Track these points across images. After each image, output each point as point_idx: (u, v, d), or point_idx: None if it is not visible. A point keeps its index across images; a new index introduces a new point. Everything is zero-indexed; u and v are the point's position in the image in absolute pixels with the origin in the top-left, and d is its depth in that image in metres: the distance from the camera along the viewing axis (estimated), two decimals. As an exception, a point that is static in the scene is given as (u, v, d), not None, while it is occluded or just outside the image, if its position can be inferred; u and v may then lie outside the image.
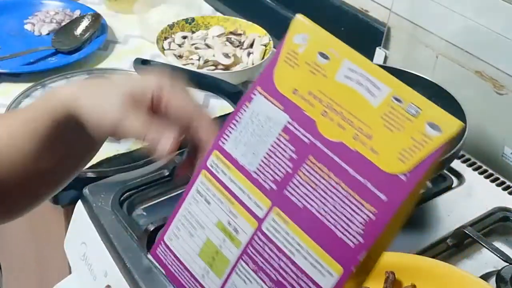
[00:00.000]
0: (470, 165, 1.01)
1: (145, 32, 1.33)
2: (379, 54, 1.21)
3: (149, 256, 0.55)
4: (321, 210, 0.43)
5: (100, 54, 1.28)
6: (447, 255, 0.86)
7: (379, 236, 0.41)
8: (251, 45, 1.26)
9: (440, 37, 1.11)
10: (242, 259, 0.47)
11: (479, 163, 1.02)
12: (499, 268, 0.79)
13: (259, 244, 0.46)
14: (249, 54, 1.24)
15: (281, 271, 0.45)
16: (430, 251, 0.85)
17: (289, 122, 0.45)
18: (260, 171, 0.46)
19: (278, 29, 1.40)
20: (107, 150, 1.03)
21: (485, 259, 0.85)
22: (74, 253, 0.97)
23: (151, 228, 0.83)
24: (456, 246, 0.86)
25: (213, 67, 1.20)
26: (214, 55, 1.22)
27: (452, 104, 0.96)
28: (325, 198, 0.43)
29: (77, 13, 1.38)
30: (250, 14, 1.38)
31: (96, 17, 1.32)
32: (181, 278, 0.52)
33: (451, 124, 0.40)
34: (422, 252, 0.84)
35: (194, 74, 1.06)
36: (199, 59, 1.21)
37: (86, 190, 0.95)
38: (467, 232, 0.85)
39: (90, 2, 1.44)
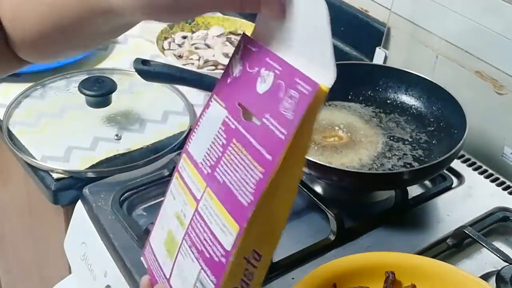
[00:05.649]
0: (470, 165, 1.01)
1: (144, 32, 1.33)
2: (379, 54, 1.21)
3: (142, 258, 0.60)
4: (232, 180, 0.48)
5: (100, 54, 1.28)
6: (447, 255, 0.86)
7: (265, 192, 0.45)
8: (251, 45, 1.26)
9: (440, 37, 1.11)
10: (184, 239, 0.52)
11: (479, 163, 1.02)
12: (499, 268, 0.79)
13: (195, 222, 0.51)
14: (249, 54, 1.24)
15: (203, 241, 0.50)
16: (430, 251, 0.85)
17: (226, 116, 0.51)
18: (203, 160, 0.52)
19: None
20: (107, 150, 1.04)
21: (485, 259, 0.85)
22: (74, 253, 0.97)
23: (151, 228, 0.83)
24: (456, 246, 0.86)
25: (213, 67, 1.20)
26: (214, 55, 1.22)
27: (452, 104, 0.96)
28: (236, 170, 0.48)
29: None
30: (250, 14, 1.38)
31: (96, 17, 1.32)
32: (154, 271, 0.57)
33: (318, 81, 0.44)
34: (422, 252, 0.84)
35: (194, 74, 1.06)
36: (199, 59, 1.22)
37: (86, 190, 0.95)
38: (467, 232, 0.85)
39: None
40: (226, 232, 0.47)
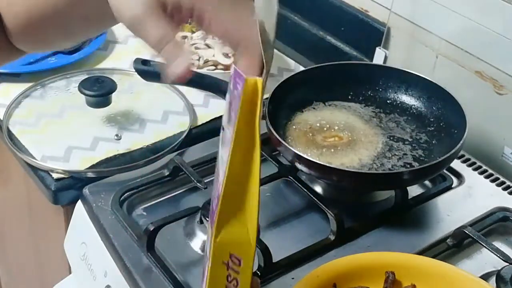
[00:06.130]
0: (470, 165, 1.01)
1: (145, 32, 1.33)
2: (379, 54, 1.21)
3: None
4: (215, 194, 0.50)
5: (100, 54, 1.28)
6: (447, 255, 0.86)
7: (224, 193, 0.46)
8: (251, 45, 1.26)
9: (440, 37, 1.11)
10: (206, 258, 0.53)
11: (479, 163, 1.02)
12: (499, 268, 0.80)
13: (208, 243, 0.51)
14: (249, 54, 1.24)
15: (207, 256, 0.51)
16: (430, 251, 0.85)
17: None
18: (216, 183, 0.52)
19: (277, 29, 1.41)
20: (107, 150, 1.04)
21: (485, 259, 0.85)
22: (74, 253, 0.97)
23: (151, 228, 0.83)
24: (456, 246, 0.86)
25: (213, 67, 1.20)
26: (214, 55, 1.22)
27: (452, 104, 0.96)
28: (217, 183, 0.49)
29: (77, 13, 1.38)
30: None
31: (96, 17, 1.32)
32: None
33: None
34: (422, 252, 0.84)
35: (194, 74, 1.06)
36: (199, 59, 1.21)
37: (86, 190, 0.95)
38: (467, 232, 0.85)
39: (90, 2, 1.44)
40: (211, 240, 0.48)
